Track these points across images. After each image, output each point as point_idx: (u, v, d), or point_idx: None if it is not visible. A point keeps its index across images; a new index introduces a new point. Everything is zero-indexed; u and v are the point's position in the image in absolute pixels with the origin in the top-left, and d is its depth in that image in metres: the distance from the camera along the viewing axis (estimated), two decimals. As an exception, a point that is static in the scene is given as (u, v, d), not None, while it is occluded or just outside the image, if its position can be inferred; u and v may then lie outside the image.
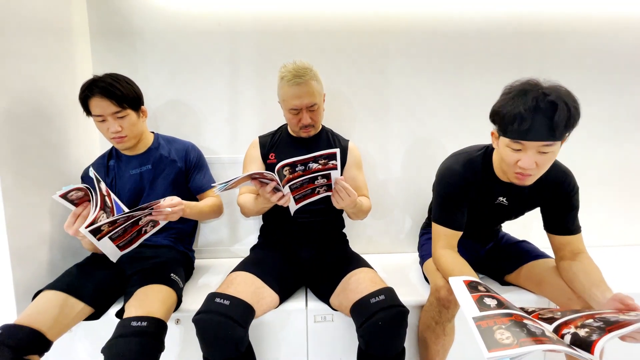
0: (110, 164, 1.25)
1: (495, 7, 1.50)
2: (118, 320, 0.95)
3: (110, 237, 0.91)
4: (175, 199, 1.01)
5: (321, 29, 1.48)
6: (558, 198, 1.05)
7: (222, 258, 1.58)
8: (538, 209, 1.13)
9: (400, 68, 1.54)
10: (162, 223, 1.04)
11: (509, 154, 0.92)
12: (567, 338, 0.67)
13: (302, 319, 1.15)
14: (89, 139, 1.44)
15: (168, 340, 0.97)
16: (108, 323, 1.05)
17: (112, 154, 1.26)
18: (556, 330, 0.72)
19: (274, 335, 1.16)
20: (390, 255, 1.62)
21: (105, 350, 0.87)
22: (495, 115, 0.92)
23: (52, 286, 1.02)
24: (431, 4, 1.48)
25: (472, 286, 0.86)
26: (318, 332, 1.17)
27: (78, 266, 1.12)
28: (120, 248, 0.96)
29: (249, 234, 1.61)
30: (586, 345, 0.64)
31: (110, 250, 0.94)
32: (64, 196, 0.86)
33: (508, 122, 0.88)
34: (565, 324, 0.72)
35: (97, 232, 0.87)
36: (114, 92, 1.08)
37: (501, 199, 1.09)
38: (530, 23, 1.53)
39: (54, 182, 1.24)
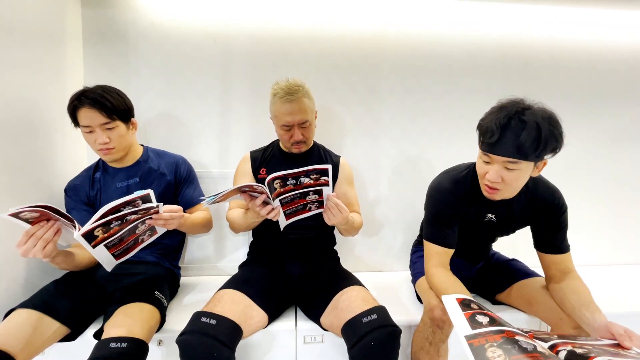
0: (96, 176, 1.21)
1: (484, 32, 1.58)
2: (96, 341, 0.89)
3: (105, 245, 0.86)
4: (175, 206, 0.98)
5: (315, 47, 1.51)
6: (547, 216, 1.06)
7: (209, 275, 1.53)
8: (528, 228, 1.14)
9: (392, 87, 1.57)
10: (160, 232, 1.00)
11: (480, 165, 0.97)
12: (562, 354, 0.66)
13: (291, 339, 1.11)
14: (76, 151, 1.41)
15: None
16: (85, 345, 0.99)
17: (99, 165, 1.23)
18: (551, 348, 0.71)
19: (261, 358, 1.11)
20: (381, 274, 1.60)
21: (81, 374, 0.81)
22: (477, 127, 0.96)
23: (26, 304, 0.95)
24: (423, 27, 1.54)
25: (464, 304, 0.85)
26: (308, 353, 1.12)
27: (55, 283, 1.06)
28: (116, 257, 0.92)
29: (238, 250, 1.57)
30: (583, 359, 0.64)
31: (106, 258, 0.89)
32: (16, 215, 0.78)
33: (481, 134, 0.93)
34: (563, 343, 0.71)
35: (91, 239, 0.82)
36: (103, 103, 1.06)
37: (489, 215, 1.10)
38: (516, 48, 1.60)
39: (36, 195, 1.20)
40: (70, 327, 0.98)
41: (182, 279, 1.41)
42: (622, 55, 1.66)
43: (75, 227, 0.83)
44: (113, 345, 0.83)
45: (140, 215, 0.89)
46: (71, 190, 1.20)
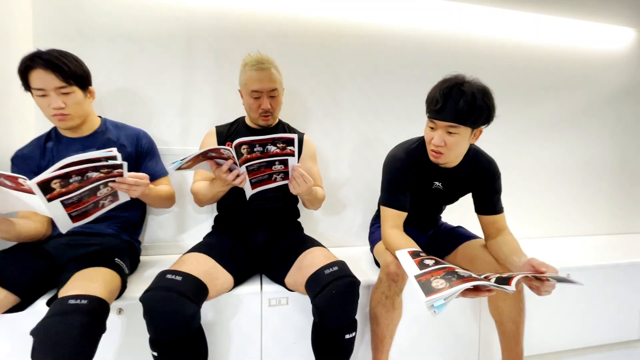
0: (48, 146, 1.15)
1: (435, 28, 1.75)
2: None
3: (63, 203, 0.82)
4: (141, 174, 0.97)
5: (278, 30, 1.57)
6: (485, 182, 1.21)
7: (171, 255, 1.50)
8: (470, 202, 1.28)
9: (352, 72, 1.68)
10: (122, 199, 0.98)
11: (427, 132, 1.10)
12: (492, 280, 0.78)
13: (256, 302, 1.14)
14: (23, 120, 1.32)
15: (106, 334, 0.88)
16: (35, 315, 0.94)
17: (51, 135, 1.17)
18: (484, 278, 0.82)
19: (226, 322, 1.13)
20: (343, 249, 1.69)
21: (37, 331, 0.77)
22: (426, 99, 1.09)
23: (-31, 273, 0.89)
24: (380, 19, 1.68)
25: (414, 254, 0.96)
26: (273, 315, 1.16)
27: (1, 253, 1.00)
28: (73, 219, 0.87)
29: (201, 229, 1.56)
30: (507, 281, 0.76)
31: (61, 217, 0.84)
32: None
33: (427, 103, 1.07)
34: (493, 275, 0.83)
35: (47, 192, 0.78)
36: (60, 66, 1.02)
37: (437, 183, 1.23)
38: (463, 44, 1.80)
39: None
40: (19, 295, 0.93)
41: (143, 258, 1.37)
42: (548, 55, 1.93)
43: (24, 184, 0.78)
44: (72, 301, 0.81)
45: (102, 175, 0.86)
46: (19, 159, 1.13)
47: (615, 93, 2.09)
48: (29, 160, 1.13)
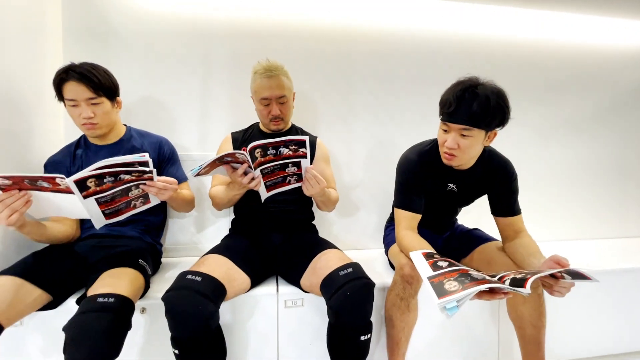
0: (78, 153, 1.23)
1: (450, 29, 1.76)
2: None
3: (97, 200, 0.88)
4: (170, 178, 1.01)
5: (291, 35, 1.62)
6: (501, 183, 1.20)
7: (191, 257, 1.55)
8: (486, 203, 1.26)
9: (364, 76, 1.70)
10: (153, 202, 1.03)
11: (440, 135, 1.09)
12: (507, 282, 0.78)
13: (272, 303, 1.17)
14: (54, 129, 1.41)
15: (130, 332, 0.93)
16: (66, 313, 1.00)
17: (80, 142, 1.24)
18: (499, 280, 0.82)
19: (243, 322, 1.16)
20: (357, 251, 1.69)
21: (69, 328, 0.83)
22: (439, 102, 1.08)
23: (6, 272, 0.96)
24: (393, 21, 1.70)
25: (428, 255, 0.96)
26: (288, 317, 1.18)
27: (35, 254, 1.07)
28: (106, 216, 0.93)
29: (218, 232, 1.60)
30: (522, 282, 0.75)
31: (95, 214, 0.90)
32: None
33: (440, 105, 1.06)
34: (507, 275, 0.82)
35: (83, 189, 0.84)
36: (90, 78, 1.09)
37: (451, 185, 1.22)
38: (479, 45, 1.79)
39: (14, 171, 1.19)
40: (52, 294, 0.99)
41: (164, 260, 1.43)
42: (568, 53, 1.90)
43: (61, 183, 0.83)
44: (101, 300, 0.86)
45: (134, 178, 0.91)
46: (51, 165, 1.20)
47: (637, 92, 2.02)
48: (60, 166, 1.20)
